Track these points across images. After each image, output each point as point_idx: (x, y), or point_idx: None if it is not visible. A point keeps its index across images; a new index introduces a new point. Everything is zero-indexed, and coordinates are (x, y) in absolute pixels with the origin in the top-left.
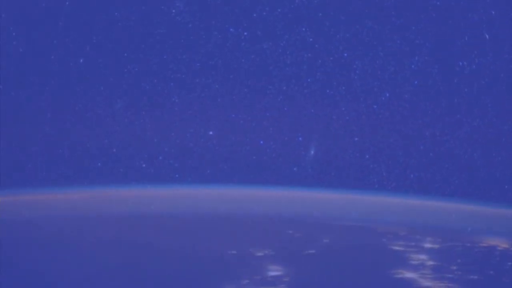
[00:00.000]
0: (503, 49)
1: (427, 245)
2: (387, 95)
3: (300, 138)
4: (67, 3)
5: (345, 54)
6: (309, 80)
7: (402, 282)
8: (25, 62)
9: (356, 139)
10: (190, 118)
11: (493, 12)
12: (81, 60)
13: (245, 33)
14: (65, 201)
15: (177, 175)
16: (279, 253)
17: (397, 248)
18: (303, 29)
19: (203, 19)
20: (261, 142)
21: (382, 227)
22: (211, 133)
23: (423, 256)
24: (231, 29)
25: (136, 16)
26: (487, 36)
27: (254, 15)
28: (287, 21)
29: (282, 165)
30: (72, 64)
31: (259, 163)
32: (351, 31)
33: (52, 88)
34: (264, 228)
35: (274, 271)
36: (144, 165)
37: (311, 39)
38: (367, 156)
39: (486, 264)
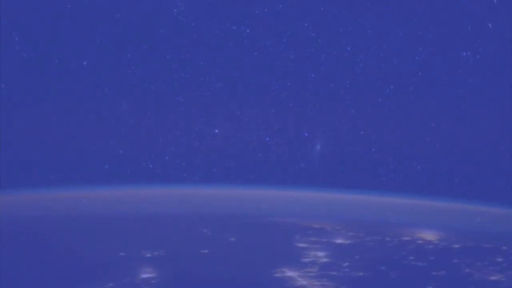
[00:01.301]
0: (506, 38)
1: (340, 241)
2: (392, 87)
3: (306, 134)
4: (68, 6)
5: (348, 48)
6: (313, 75)
7: (275, 281)
8: (29, 66)
9: (362, 132)
10: (195, 117)
11: (495, 1)
12: (85, 63)
13: (248, 31)
14: (70, 202)
15: (184, 174)
16: (169, 254)
17: (302, 245)
18: (305, 24)
19: (205, 18)
20: (267, 138)
21: (312, 223)
22: (216, 131)
23: (321, 253)
24: (233, 27)
25: (138, 17)
26: (490, 26)
27: (256, 12)
28: (289, 17)
29: (288, 161)
30: (76, 67)
31: (265, 160)
32: (353, 25)
33: (57, 92)
34: (197, 228)
35: (147, 273)
36: (151, 166)
37: (313, 34)
38: (373, 149)
39: (386, 260)
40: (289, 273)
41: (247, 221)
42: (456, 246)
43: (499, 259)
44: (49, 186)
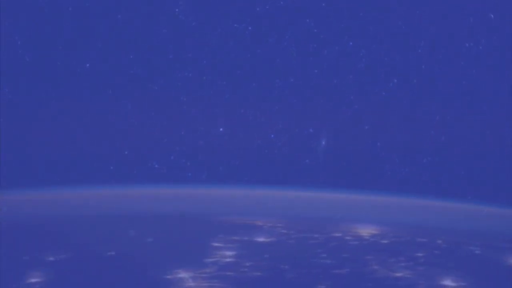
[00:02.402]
0: (509, 28)
1: (262, 239)
2: (395, 81)
3: (310, 130)
4: (70, 9)
5: (351, 43)
6: (316, 71)
7: (161, 283)
8: (32, 70)
9: (366, 127)
10: (199, 116)
11: None
12: (88, 65)
13: (250, 28)
14: (74, 202)
15: (189, 174)
16: (74, 256)
17: (217, 244)
18: (307, 20)
19: (207, 17)
20: (272, 135)
21: (256, 221)
22: (221, 129)
23: (230, 253)
24: (235, 25)
25: (140, 18)
26: (492, 16)
27: (258, 9)
28: (291, 14)
29: (293, 158)
30: (79, 70)
31: (270, 157)
32: (355, 19)
33: (61, 94)
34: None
35: (35, 277)
36: (156, 166)
37: (315, 30)
38: (378, 144)
39: (294, 258)
40: (183, 274)
41: (195, 220)
42: (384, 241)
43: (419, 254)
44: (55, 187)
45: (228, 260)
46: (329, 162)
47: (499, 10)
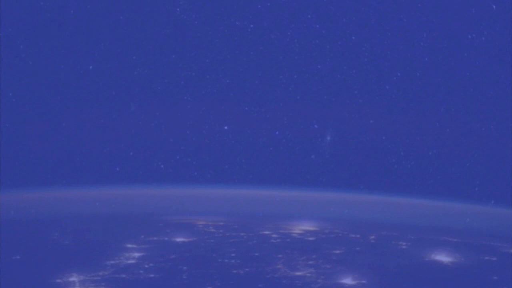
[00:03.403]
0: (511, 18)
1: (181, 239)
2: (399, 74)
3: (315, 126)
4: (71, 11)
5: (353, 37)
6: (319, 66)
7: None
8: (35, 74)
9: (371, 121)
10: (204, 114)
11: None
12: (91, 67)
13: (251, 26)
14: (79, 202)
15: (195, 173)
16: None
17: (131, 246)
18: (309, 16)
19: (208, 16)
20: (277, 132)
21: (203, 220)
22: (226, 128)
23: (137, 254)
24: (237, 23)
25: (142, 18)
26: (494, 7)
27: (259, 6)
28: (292, 10)
29: (299, 154)
30: (82, 72)
31: (276, 154)
32: (356, 13)
33: (65, 97)
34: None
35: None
36: (162, 166)
37: (317, 26)
38: (383, 138)
39: (200, 259)
40: (74, 277)
41: (139, 220)
42: (311, 238)
43: (336, 252)
44: (63, 188)
45: (130, 262)
46: (335, 157)
47: (500, 1)
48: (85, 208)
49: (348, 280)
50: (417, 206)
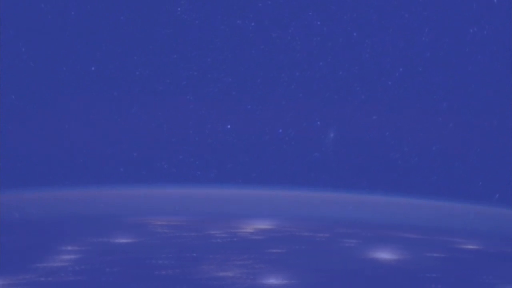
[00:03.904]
0: None
1: (123, 240)
2: (401, 70)
3: (318, 123)
4: (72, 13)
5: (354, 34)
6: (321, 63)
7: None
8: (37, 76)
9: (374, 117)
10: (206, 114)
11: None
12: (93, 68)
13: (253, 24)
14: (83, 202)
15: (199, 173)
16: None
17: (67, 247)
18: (310, 13)
19: (209, 15)
20: (280, 130)
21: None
22: (229, 126)
23: (67, 257)
24: (238, 21)
25: (143, 19)
26: (495, 1)
27: (260, 4)
28: (293, 7)
29: (302, 151)
30: (84, 73)
31: (279, 152)
32: (357, 10)
33: (67, 99)
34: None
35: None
36: (165, 166)
37: (318, 23)
38: (387, 133)
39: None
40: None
41: (96, 221)
42: (257, 237)
43: (275, 251)
44: (65, 189)
45: (63, 264)
46: (338, 154)
47: None
48: (75, 209)
49: (272, 280)
50: (418, 206)
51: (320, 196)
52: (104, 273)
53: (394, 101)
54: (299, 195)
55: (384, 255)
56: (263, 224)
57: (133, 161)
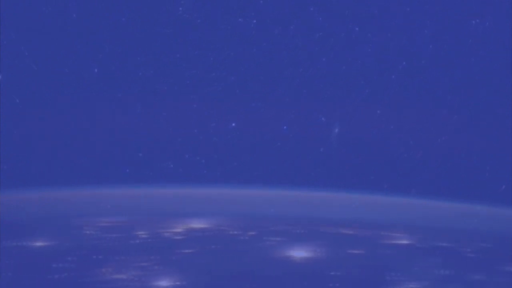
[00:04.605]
0: None
1: (41, 244)
2: (404, 63)
3: (323, 119)
4: (74, 15)
5: (357, 29)
6: (324, 59)
7: None
8: (41, 79)
9: (378, 111)
10: (211, 112)
11: None
12: (96, 70)
13: (254, 21)
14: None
15: (205, 171)
16: None
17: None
18: (311, 9)
19: (211, 14)
20: (285, 127)
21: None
22: (233, 124)
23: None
24: (239, 19)
25: (144, 19)
26: None
27: (261, 2)
28: (294, 3)
29: (308, 148)
30: (87, 75)
31: (284, 149)
32: (359, 4)
33: (72, 101)
34: None
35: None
36: (172, 166)
37: (320, 18)
38: (391, 127)
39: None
40: None
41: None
42: (178, 237)
43: (186, 251)
44: (72, 190)
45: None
46: (343, 148)
47: None
48: (66, 210)
49: (163, 283)
50: (419, 205)
51: (322, 195)
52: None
53: (398, 95)
54: (300, 194)
55: (302, 253)
56: (201, 224)
57: (138, 162)
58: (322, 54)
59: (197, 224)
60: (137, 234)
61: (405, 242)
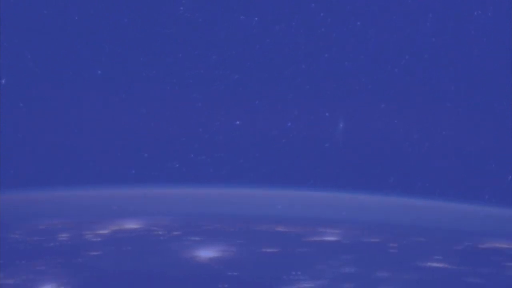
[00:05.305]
0: None
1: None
2: (407, 57)
3: (327, 114)
4: (76, 18)
5: (358, 23)
6: (326, 55)
7: None
8: (44, 82)
9: (382, 105)
10: (215, 111)
11: None
12: (99, 72)
13: (256, 19)
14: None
15: (211, 170)
16: None
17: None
18: (313, 5)
19: (212, 12)
20: (289, 124)
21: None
22: (238, 122)
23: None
24: (241, 17)
25: (146, 20)
26: None
27: None
28: (295, 0)
29: (313, 144)
30: (91, 77)
31: (289, 145)
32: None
33: (76, 104)
34: None
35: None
36: (177, 165)
37: (322, 14)
38: (395, 121)
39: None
40: None
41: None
42: (95, 241)
43: (92, 253)
44: (79, 190)
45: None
46: (348, 143)
47: None
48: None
49: (49, 285)
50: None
51: (326, 195)
52: None
53: (402, 88)
54: (306, 194)
55: (203, 253)
56: (135, 224)
57: (144, 162)
58: (324, 50)
59: (133, 224)
60: (58, 237)
61: (332, 239)
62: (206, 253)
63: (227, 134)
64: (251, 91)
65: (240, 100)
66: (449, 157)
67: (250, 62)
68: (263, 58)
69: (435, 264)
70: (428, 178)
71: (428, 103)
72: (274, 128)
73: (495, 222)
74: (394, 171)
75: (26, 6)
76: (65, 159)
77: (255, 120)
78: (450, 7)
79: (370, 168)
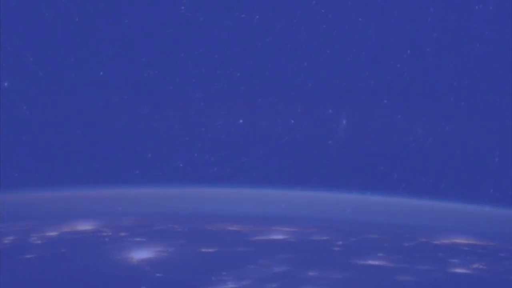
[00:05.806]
0: None
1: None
2: (408, 52)
3: (330, 111)
4: (77, 19)
5: (360, 19)
6: (328, 51)
7: None
8: (47, 84)
9: (385, 101)
10: (218, 110)
11: None
12: (101, 73)
13: (257, 17)
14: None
15: (215, 169)
16: None
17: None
18: (313, 1)
19: (213, 11)
20: (292, 121)
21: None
22: (241, 121)
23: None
24: (242, 15)
25: (147, 20)
26: None
27: None
28: None
29: (316, 141)
30: (93, 78)
31: (293, 143)
32: None
33: (79, 105)
34: None
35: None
36: (181, 165)
37: (323, 10)
38: (399, 116)
39: None
40: None
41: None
42: (36, 243)
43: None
44: (84, 191)
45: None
46: (351, 140)
47: None
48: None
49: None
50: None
51: (331, 195)
52: None
53: (404, 83)
54: (310, 194)
55: (141, 253)
56: (89, 225)
57: (148, 163)
58: (326, 46)
59: (85, 226)
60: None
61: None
62: (141, 254)
63: (230, 133)
64: (253, 90)
65: (243, 99)
66: (452, 153)
67: (252, 61)
68: (264, 56)
69: (371, 262)
70: (432, 175)
71: (432, 99)
72: (277, 126)
73: (458, 219)
74: (397, 168)
75: (27, 8)
76: (68, 160)
77: (258, 119)
78: (451, 1)
79: (374, 166)
